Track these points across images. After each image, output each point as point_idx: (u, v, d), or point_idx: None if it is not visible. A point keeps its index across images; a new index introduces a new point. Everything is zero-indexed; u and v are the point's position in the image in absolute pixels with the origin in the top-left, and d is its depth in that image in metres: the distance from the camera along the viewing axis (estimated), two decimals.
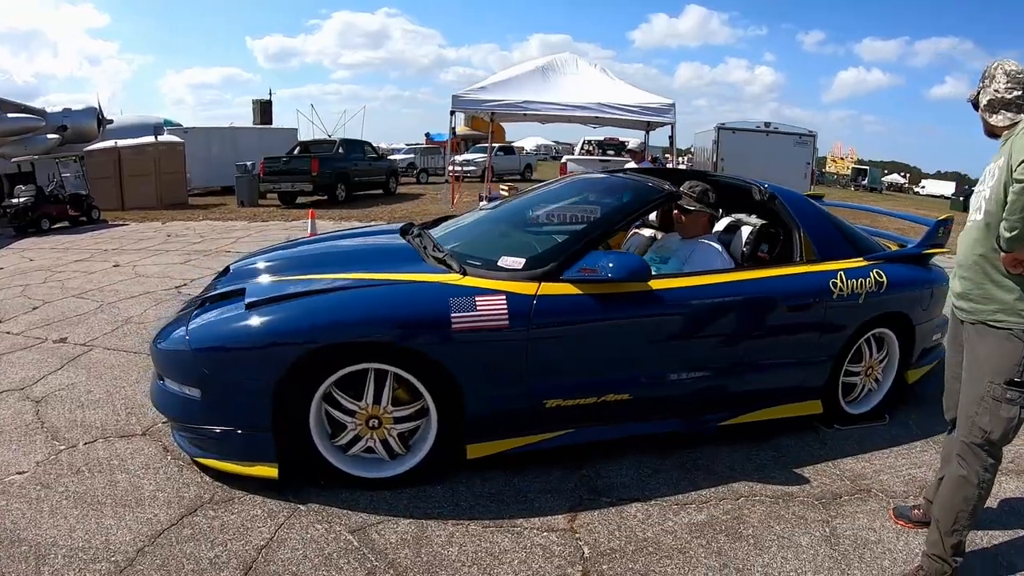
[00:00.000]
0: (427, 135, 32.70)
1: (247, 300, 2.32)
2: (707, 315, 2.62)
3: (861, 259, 2.93)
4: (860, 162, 43.77)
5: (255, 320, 2.23)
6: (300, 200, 13.26)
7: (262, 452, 2.19)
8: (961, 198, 22.85)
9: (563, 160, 14.40)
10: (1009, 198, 1.68)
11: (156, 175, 12.60)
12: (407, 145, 28.01)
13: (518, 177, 20.85)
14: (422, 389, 2.20)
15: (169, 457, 2.49)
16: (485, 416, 2.34)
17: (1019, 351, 1.79)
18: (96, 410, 2.93)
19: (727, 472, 2.56)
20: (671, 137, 7.95)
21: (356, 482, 2.27)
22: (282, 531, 2.06)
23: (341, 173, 13.67)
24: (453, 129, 8.60)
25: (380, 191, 15.41)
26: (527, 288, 2.30)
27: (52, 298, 5.05)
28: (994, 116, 1.86)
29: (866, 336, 2.96)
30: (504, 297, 2.26)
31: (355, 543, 2.02)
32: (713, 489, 2.43)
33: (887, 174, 50.58)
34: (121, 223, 10.28)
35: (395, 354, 2.19)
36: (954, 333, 2.10)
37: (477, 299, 2.24)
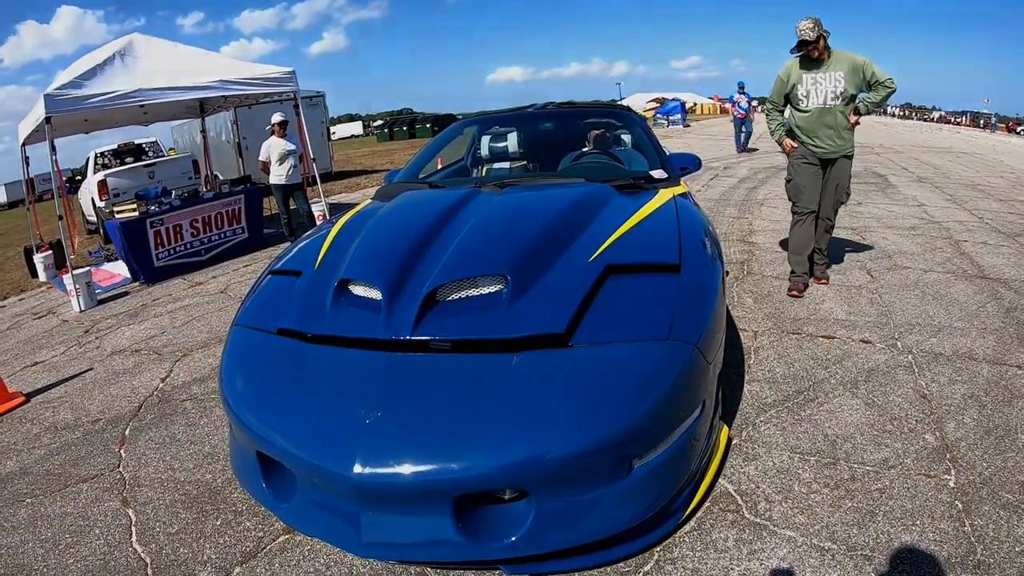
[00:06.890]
0: None
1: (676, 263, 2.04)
2: None
3: None
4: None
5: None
6: None
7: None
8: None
9: (100, 178, 9.68)
10: (879, 94, 3.54)
11: None
12: None
13: None
14: None
15: None
16: None
17: (851, 165, 3.87)
18: None
19: None
20: (296, 106, 7.74)
21: None
22: None
23: None
24: (52, 143, 5.75)
25: None
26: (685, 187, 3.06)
27: None
28: (826, 45, 3.61)
29: None
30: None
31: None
32: None
33: None
34: None
35: None
36: (813, 170, 3.83)
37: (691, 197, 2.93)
